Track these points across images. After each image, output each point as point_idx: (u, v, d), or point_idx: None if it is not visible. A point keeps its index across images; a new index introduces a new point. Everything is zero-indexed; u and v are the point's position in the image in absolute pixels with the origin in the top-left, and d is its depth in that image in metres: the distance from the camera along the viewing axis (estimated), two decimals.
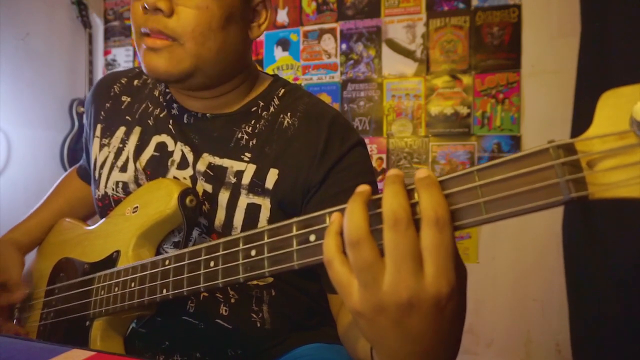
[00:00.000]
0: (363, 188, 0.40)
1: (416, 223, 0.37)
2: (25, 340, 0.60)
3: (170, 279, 0.55)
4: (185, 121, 0.74)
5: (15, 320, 0.79)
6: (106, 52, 2.54)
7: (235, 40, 0.67)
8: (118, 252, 0.67)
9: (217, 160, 0.71)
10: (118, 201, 0.74)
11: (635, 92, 0.32)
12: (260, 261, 0.46)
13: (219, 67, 0.67)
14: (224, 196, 0.69)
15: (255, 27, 0.71)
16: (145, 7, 0.60)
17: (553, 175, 0.33)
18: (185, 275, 0.54)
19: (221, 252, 0.50)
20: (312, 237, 0.43)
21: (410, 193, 0.38)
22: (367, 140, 2.11)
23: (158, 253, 0.69)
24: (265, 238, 0.46)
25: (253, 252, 0.47)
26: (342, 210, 0.41)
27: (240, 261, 0.48)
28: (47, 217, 0.88)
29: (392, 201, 0.37)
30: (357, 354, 0.59)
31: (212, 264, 0.51)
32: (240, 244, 0.48)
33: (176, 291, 0.55)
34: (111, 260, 0.67)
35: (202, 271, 0.52)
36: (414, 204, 0.38)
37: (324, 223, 0.42)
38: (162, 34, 0.62)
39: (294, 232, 0.44)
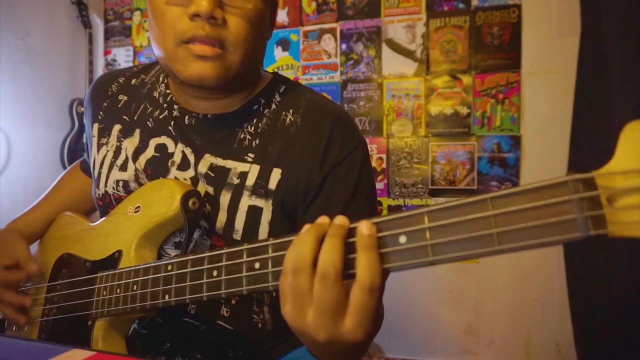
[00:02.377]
0: (322, 220, 0.44)
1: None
2: (25, 340, 0.60)
3: (173, 286, 0.55)
4: (187, 122, 0.73)
5: (26, 305, 0.79)
6: (106, 52, 2.54)
7: (265, 43, 0.72)
8: (120, 251, 0.67)
9: (220, 162, 0.70)
10: (119, 199, 0.74)
11: None
12: (264, 275, 0.47)
13: (251, 70, 0.70)
14: (225, 198, 0.68)
15: (270, 29, 0.74)
16: (196, 15, 0.60)
17: (570, 210, 0.32)
18: (187, 283, 0.54)
19: (224, 263, 0.50)
20: None
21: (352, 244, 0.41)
22: (367, 140, 2.11)
23: (159, 254, 0.68)
24: (270, 252, 0.46)
25: (257, 265, 0.47)
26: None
27: (244, 273, 0.48)
28: (49, 209, 0.88)
29: (327, 255, 0.41)
30: None
31: (215, 273, 0.51)
32: (244, 256, 0.48)
33: (178, 298, 0.55)
34: (113, 259, 0.67)
35: (204, 280, 0.52)
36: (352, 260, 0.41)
37: None
38: (215, 41, 0.61)
39: None
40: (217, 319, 0.71)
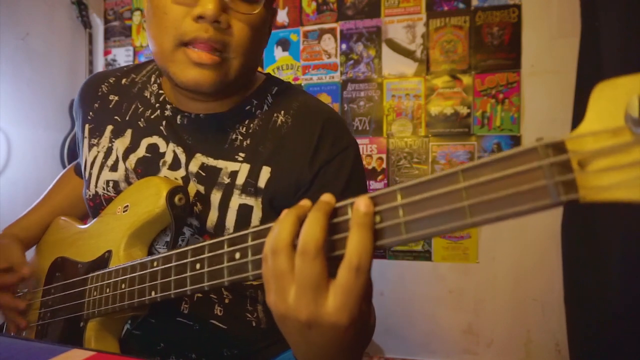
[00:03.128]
0: (304, 202, 0.42)
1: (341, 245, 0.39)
2: (25, 340, 0.60)
3: (158, 282, 0.55)
4: (179, 122, 0.73)
5: (21, 307, 0.79)
6: (106, 52, 2.54)
7: (262, 53, 0.71)
8: (110, 252, 0.67)
9: (211, 161, 0.70)
10: (109, 200, 0.74)
11: (632, 83, 0.29)
12: (244, 264, 0.46)
13: (247, 78, 0.70)
14: (216, 197, 0.68)
15: (269, 35, 0.73)
16: (201, 17, 0.59)
17: (541, 176, 0.31)
18: (172, 278, 0.53)
19: (206, 255, 0.50)
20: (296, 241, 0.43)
21: (342, 223, 0.40)
22: (367, 140, 2.11)
23: (150, 252, 0.68)
24: (249, 240, 0.46)
25: (237, 255, 0.47)
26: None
27: (225, 264, 0.47)
28: (46, 213, 0.88)
29: (307, 230, 0.39)
30: None
31: (198, 266, 0.50)
32: (225, 247, 0.48)
33: (164, 294, 0.54)
34: (103, 260, 0.67)
35: (188, 274, 0.52)
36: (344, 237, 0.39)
37: None
38: (217, 45, 0.60)
39: None
40: (211, 318, 0.71)
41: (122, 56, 2.52)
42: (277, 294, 0.41)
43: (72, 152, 2.29)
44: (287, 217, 0.41)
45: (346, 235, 0.39)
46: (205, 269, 0.50)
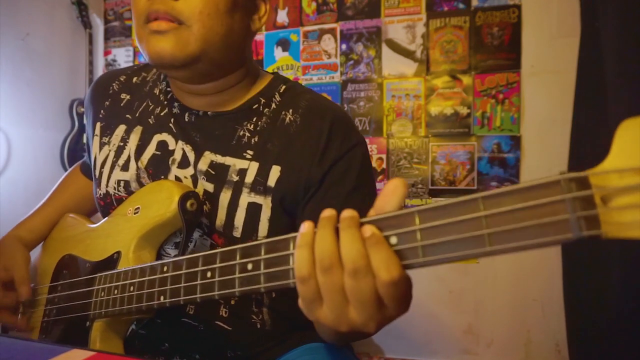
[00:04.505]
0: (329, 212, 0.42)
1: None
2: (25, 340, 0.60)
3: (168, 287, 0.55)
4: (187, 119, 0.73)
5: (20, 315, 0.79)
6: (106, 53, 2.54)
7: (239, 27, 0.68)
8: (119, 253, 0.67)
9: (219, 159, 0.70)
10: (120, 200, 0.74)
11: None
12: (256, 276, 0.46)
13: (223, 53, 0.66)
14: (225, 196, 0.69)
15: (256, 20, 0.71)
16: None
17: (563, 210, 0.31)
18: (182, 285, 0.53)
19: (218, 264, 0.50)
20: None
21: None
22: (367, 141, 2.11)
23: (159, 254, 0.69)
24: (262, 253, 0.46)
25: (250, 266, 0.47)
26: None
27: (237, 275, 0.47)
28: (52, 213, 0.88)
29: (351, 249, 0.39)
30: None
31: (209, 274, 0.51)
32: (237, 257, 0.48)
33: (173, 299, 0.54)
34: (112, 261, 0.67)
35: (198, 282, 0.52)
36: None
37: None
38: (169, 15, 0.61)
39: (291, 250, 0.44)
40: (216, 319, 0.71)
41: (122, 56, 2.52)
42: (335, 311, 0.41)
43: (72, 152, 2.29)
44: (326, 231, 0.40)
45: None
46: (217, 278, 0.50)
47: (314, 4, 2.20)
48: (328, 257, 0.39)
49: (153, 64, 0.66)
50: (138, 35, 0.65)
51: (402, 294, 0.39)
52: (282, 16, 2.24)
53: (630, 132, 0.30)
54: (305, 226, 0.42)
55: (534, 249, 0.33)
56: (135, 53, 2.50)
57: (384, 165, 2.10)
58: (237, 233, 0.68)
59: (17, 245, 0.81)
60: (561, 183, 0.31)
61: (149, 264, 0.59)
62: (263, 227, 0.68)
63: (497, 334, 1.99)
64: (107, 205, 0.76)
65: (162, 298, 0.56)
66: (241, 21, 0.68)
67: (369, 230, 0.39)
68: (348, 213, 0.40)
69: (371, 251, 0.38)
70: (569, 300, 1.74)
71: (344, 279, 0.39)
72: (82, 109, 2.31)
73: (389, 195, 0.40)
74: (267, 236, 0.69)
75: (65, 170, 2.26)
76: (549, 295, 1.89)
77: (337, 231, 0.41)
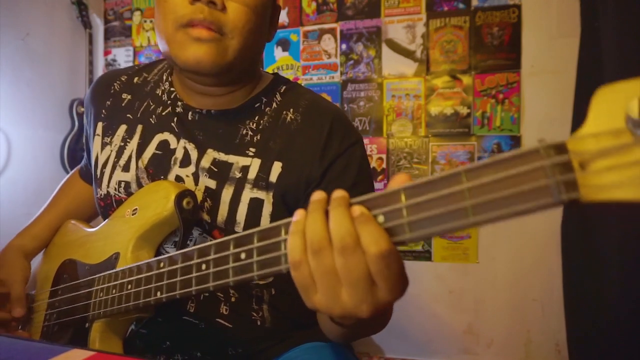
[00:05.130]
0: (319, 195, 0.42)
1: None
2: (25, 340, 0.60)
3: (164, 282, 0.55)
4: (190, 118, 0.74)
5: (19, 328, 0.80)
6: (106, 52, 2.54)
7: (264, 39, 0.73)
8: (117, 254, 0.67)
9: (222, 156, 0.71)
10: (119, 201, 0.75)
11: (632, 87, 0.30)
12: (249, 265, 0.46)
13: (250, 63, 0.71)
14: (227, 192, 0.69)
15: (272, 30, 0.75)
16: (196, 0, 0.61)
17: (543, 176, 0.32)
18: (178, 279, 0.54)
19: (212, 256, 0.50)
20: None
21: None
22: (367, 141, 2.11)
23: (158, 253, 0.69)
24: (255, 241, 0.46)
25: (243, 255, 0.47)
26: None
27: (230, 264, 0.48)
28: (53, 219, 0.89)
29: (338, 226, 0.39)
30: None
31: (203, 267, 0.51)
32: (231, 247, 0.48)
33: (169, 294, 0.55)
34: (111, 262, 0.68)
35: (194, 274, 0.52)
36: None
37: None
38: (213, 25, 0.62)
39: (282, 236, 0.44)
40: (217, 317, 0.71)
41: (122, 56, 2.51)
42: (328, 295, 0.40)
43: (72, 152, 2.29)
44: (316, 214, 0.41)
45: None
46: (211, 270, 0.50)
47: (314, 4, 2.20)
48: (318, 240, 0.39)
49: (185, 68, 0.66)
50: (169, 36, 0.65)
51: (394, 272, 0.39)
52: (282, 16, 2.24)
53: (605, 98, 0.31)
54: (298, 213, 0.42)
55: (518, 217, 0.33)
56: (135, 53, 2.50)
57: (384, 165, 2.10)
58: (239, 228, 0.69)
59: (18, 257, 0.82)
60: (540, 151, 0.32)
61: (146, 262, 0.59)
62: (265, 222, 0.69)
63: (497, 334, 1.99)
64: (107, 206, 0.77)
65: (158, 293, 0.56)
66: (267, 34, 0.73)
67: (357, 209, 0.39)
68: (338, 193, 0.41)
69: (360, 229, 0.39)
70: (569, 300, 1.74)
71: (334, 259, 0.39)
72: (82, 109, 2.31)
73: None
74: None
75: (65, 170, 2.26)
76: (549, 295, 1.89)
77: (327, 214, 0.41)
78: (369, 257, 0.38)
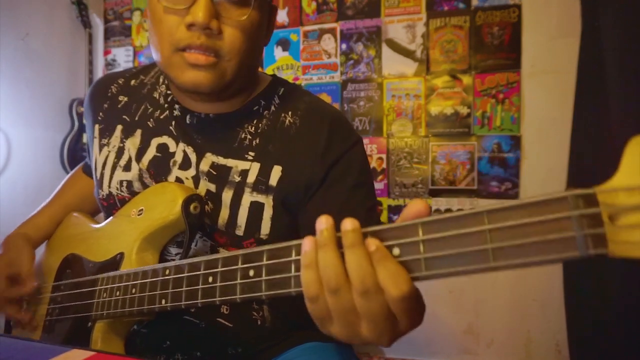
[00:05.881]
0: (326, 224, 0.40)
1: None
2: (25, 340, 0.61)
3: (170, 291, 0.55)
4: (188, 122, 0.74)
5: (24, 310, 0.79)
6: (106, 52, 2.54)
7: (261, 48, 0.73)
8: (122, 254, 0.67)
9: (221, 160, 0.71)
10: (123, 200, 0.75)
11: None
12: (258, 283, 0.45)
13: (248, 76, 0.71)
14: (227, 195, 0.69)
15: (268, 34, 0.75)
16: (192, 25, 0.61)
17: (569, 227, 0.30)
18: (184, 289, 0.53)
19: (220, 269, 0.50)
20: None
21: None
22: (367, 140, 2.11)
23: (162, 254, 0.69)
24: (264, 259, 0.45)
25: (251, 273, 0.46)
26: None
27: (238, 281, 0.47)
28: (57, 211, 0.90)
29: (357, 270, 0.38)
30: None
31: (210, 279, 0.50)
32: (239, 263, 0.47)
33: (174, 303, 0.54)
34: (115, 262, 0.68)
35: (200, 286, 0.51)
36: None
37: None
38: (210, 50, 0.62)
39: (293, 257, 0.43)
40: (217, 316, 0.71)
41: (122, 56, 2.51)
42: (347, 329, 0.40)
43: (72, 152, 2.29)
44: (326, 249, 0.39)
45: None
46: (218, 284, 0.49)
47: (314, 4, 2.20)
48: (335, 279, 0.39)
49: (183, 90, 0.67)
50: (166, 58, 0.64)
51: (414, 307, 0.39)
52: (282, 16, 2.24)
53: (638, 148, 0.30)
54: (307, 244, 0.41)
55: (539, 266, 0.32)
56: (135, 53, 2.50)
57: (384, 165, 2.10)
58: (240, 231, 0.69)
59: (24, 242, 0.81)
60: (568, 199, 0.31)
61: (152, 267, 0.59)
62: (265, 225, 0.69)
63: (497, 334, 1.99)
64: (111, 205, 0.77)
65: (163, 301, 0.56)
66: (264, 39, 0.73)
67: (372, 244, 0.38)
68: (349, 225, 0.39)
69: (378, 267, 0.38)
70: (570, 299, 1.74)
71: (353, 297, 0.39)
72: (82, 109, 2.31)
73: (410, 219, 0.39)
74: (270, 234, 0.70)
75: (65, 169, 2.26)
76: (549, 295, 1.89)
77: (338, 243, 0.39)
78: (389, 298, 0.38)
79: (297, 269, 0.42)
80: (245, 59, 0.66)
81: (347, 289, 0.39)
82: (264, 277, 0.45)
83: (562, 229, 0.31)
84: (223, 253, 0.51)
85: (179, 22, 0.62)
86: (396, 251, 0.38)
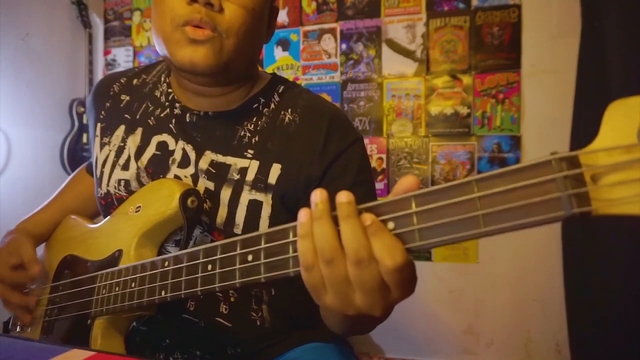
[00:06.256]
0: (321, 196, 0.41)
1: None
2: (25, 340, 0.60)
3: (169, 281, 0.55)
4: (188, 120, 0.74)
5: (28, 295, 0.80)
6: (106, 52, 2.54)
7: (261, 41, 0.73)
8: (120, 251, 0.67)
9: (220, 158, 0.71)
10: (120, 199, 0.75)
11: None
12: (256, 267, 0.46)
13: (247, 63, 0.71)
14: (226, 193, 0.69)
15: (269, 32, 0.76)
16: (193, 0, 0.62)
17: (554, 189, 0.32)
18: (183, 278, 0.54)
19: (219, 256, 0.50)
20: None
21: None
22: (367, 141, 2.11)
23: (160, 252, 0.69)
24: (262, 243, 0.46)
25: (250, 257, 0.47)
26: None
27: (237, 266, 0.48)
28: (57, 211, 0.90)
29: (351, 240, 0.39)
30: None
31: (209, 267, 0.51)
32: (238, 248, 0.48)
33: (174, 294, 0.55)
34: (113, 259, 0.68)
35: (199, 274, 0.52)
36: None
37: None
38: (209, 25, 0.63)
39: (290, 239, 0.44)
40: (216, 316, 0.71)
41: (122, 56, 2.51)
42: (340, 299, 0.41)
43: (72, 152, 2.29)
44: (321, 221, 0.40)
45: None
46: (217, 270, 0.50)
47: (314, 4, 2.20)
48: (329, 250, 0.39)
49: (180, 68, 0.67)
50: (167, 35, 0.65)
51: (407, 278, 0.40)
52: (282, 16, 2.24)
53: (618, 112, 0.31)
54: (303, 215, 0.42)
55: (528, 228, 0.33)
56: (135, 53, 2.50)
57: (384, 165, 2.10)
58: (238, 230, 0.69)
59: (24, 234, 0.82)
60: (552, 163, 0.32)
61: (150, 260, 0.59)
62: (264, 223, 0.69)
63: (497, 334, 1.99)
64: (108, 204, 0.77)
65: (163, 292, 0.56)
66: (263, 35, 0.73)
67: (368, 218, 0.39)
68: (344, 197, 0.40)
69: (373, 239, 0.39)
70: (571, 299, 1.74)
71: (347, 267, 0.39)
72: (82, 109, 2.31)
73: (401, 193, 0.40)
74: None
75: (65, 170, 2.26)
76: (549, 295, 1.89)
77: (334, 217, 0.40)
78: (383, 269, 0.38)
79: (295, 250, 0.43)
80: (245, 39, 0.66)
81: (341, 259, 0.39)
82: (262, 260, 0.46)
83: (547, 191, 0.32)
84: (221, 240, 0.51)
85: None
86: (391, 225, 0.39)
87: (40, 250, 0.87)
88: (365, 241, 0.39)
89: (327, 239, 0.40)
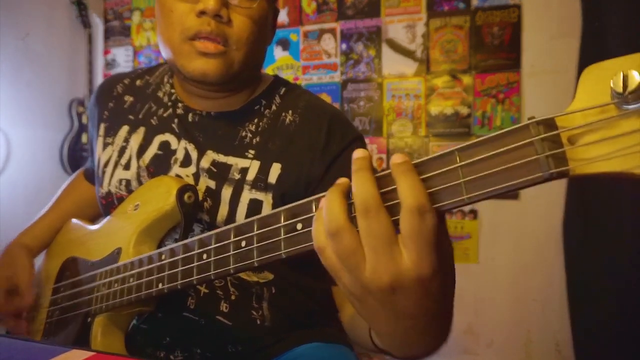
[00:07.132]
0: (341, 180, 0.41)
1: (393, 208, 0.38)
2: (25, 340, 0.61)
3: (166, 273, 0.56)
4: (190, 120, 0.75)
5: (25, 319, 0.80)
6: (106, 52, 2.54)
7: (266, 45, 0.76)
8: (119, 249, 0.68)
9: (222, 158, 0.72)
10: (121, 199, 0.75)
11: (617, 64, 0.31)
12: (249, 252, 0.47)
13: (254, 70, 0.73)
14: (227, 192, 0.70)
15: (271, 34, 0.77)
16: (203, 12, 0.63)
17: (533, 152, 0.32)
18: (179, 269, 0.55)
19: (213, 245, 0.51)
20: (299, 226, 0.43)
21: (382, 179, 0.39)
22: (367, 141, 2.11)
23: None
24: (255, 229, 0.47)
25: (243, 243, 0.48)
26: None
27: (231, 252, 0.49)
28: (55, 219, 0.90)
29: (360, 189, 0.38)
30: (360, 339, 0.63)
31: (204, 256, 0.52)
32: (232, 236, 0.49)
33: (170, 284, 0.56)
34: (113, 257, 0.68)
35: (195, 264, 0.53)
36: (390, 191, 0.38)
37: (310, 211, 0.43)
38: (219, 38, 0.64)
39: (282, 222, 0.45)
40: (217, 314, 0.71)
41: (122, 56, 2.51)
42: (351, 273, 0.39)
43: (71, 152, 2.29)
44: (333, 196, 0.40)
45: (392, 188, 0.38)
46: (212, 258, 0.51)
47: (314, 4, 2.20)
48: (336, 220, 0.38)
49: (191, 79, 0.68)
50: (176, 47, 0.66)
51: (425, 235, 0.36)
52: (282, 16, 2.24)
53: (592, 76, 0.33)
54: (321, 202, 0.41)
55: (509, 191, 0.34)
56: (135, 52, 2.50)
57: (384, 165, 2.10)
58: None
59: (22, 253, 0.82)
60: (530, 127, 0.33)
61: (147, 255, 0.60)
62: None
63: (497, 334, 1.99)
64: (109, 204, 0.78)
65: (160, 285, 0.57)
66: (269, 40, 0.75)
67: (400, 157, 0.38)
68: (360, 154, 0.40)
69: (400, 180, 0.37)
70: (573, 298, 1.74)
71: (357, 239, 0.38)
72: (82, 109, 2.31)
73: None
74: None
75: (65, 169, 2.26)
76: (549, 296, 1.89)
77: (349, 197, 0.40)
78: (404, 210, 0.36)
79: (286, 232, 0.44)
80: (253, 49, 0.68)
81: (346, 230, 0.38)
82: (255, 245, 0.46)
83: (526, 155, 0.33)
84: (216, 230, 0.52)
85: (189, 9, 0.64)
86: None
87: (41, 255, 0.87)
88: (374, 191, 0.38)
89: (333, 212, 0.39)
